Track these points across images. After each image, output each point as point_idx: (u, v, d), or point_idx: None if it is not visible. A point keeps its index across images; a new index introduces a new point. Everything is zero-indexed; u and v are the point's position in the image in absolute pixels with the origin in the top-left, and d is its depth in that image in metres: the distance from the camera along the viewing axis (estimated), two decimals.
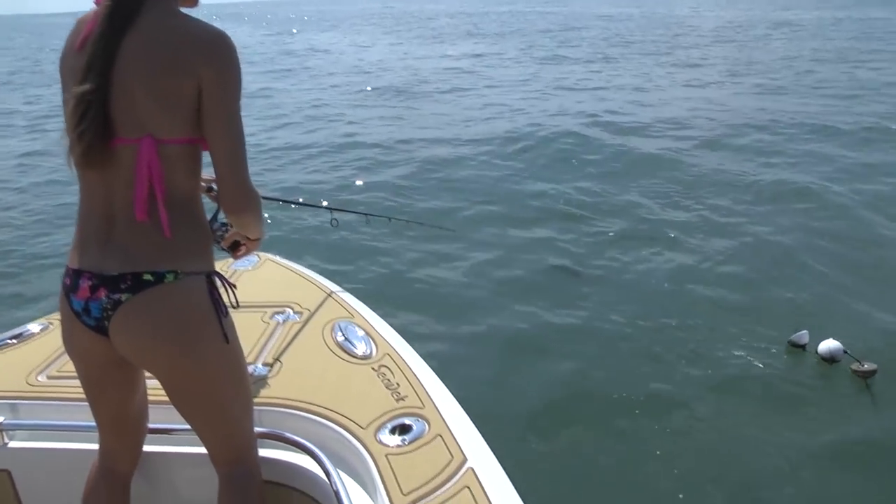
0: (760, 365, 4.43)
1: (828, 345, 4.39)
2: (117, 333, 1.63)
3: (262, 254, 3.02)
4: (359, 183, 9.00)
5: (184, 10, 1.65)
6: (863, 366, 4.22)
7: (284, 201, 3.42)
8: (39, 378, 2.24)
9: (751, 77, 16.88)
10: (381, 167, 9.81)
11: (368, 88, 17.48)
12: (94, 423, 1.86)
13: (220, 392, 1.75)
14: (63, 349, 1.82)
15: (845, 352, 4.33)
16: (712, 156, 9.79)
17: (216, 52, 1.56)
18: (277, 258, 3.05)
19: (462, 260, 6.30)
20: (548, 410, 4.08)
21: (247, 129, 1.62)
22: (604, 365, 4.55)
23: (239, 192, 1.65)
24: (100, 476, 1.91)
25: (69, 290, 1.65)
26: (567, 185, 8.46)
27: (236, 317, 1.76)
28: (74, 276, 1.64)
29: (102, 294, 1.61)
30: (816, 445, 3.72)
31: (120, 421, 1.87)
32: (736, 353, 4.57)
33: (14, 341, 2.49)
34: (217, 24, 1.59)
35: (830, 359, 4.35)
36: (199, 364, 1.68)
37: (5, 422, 2.10)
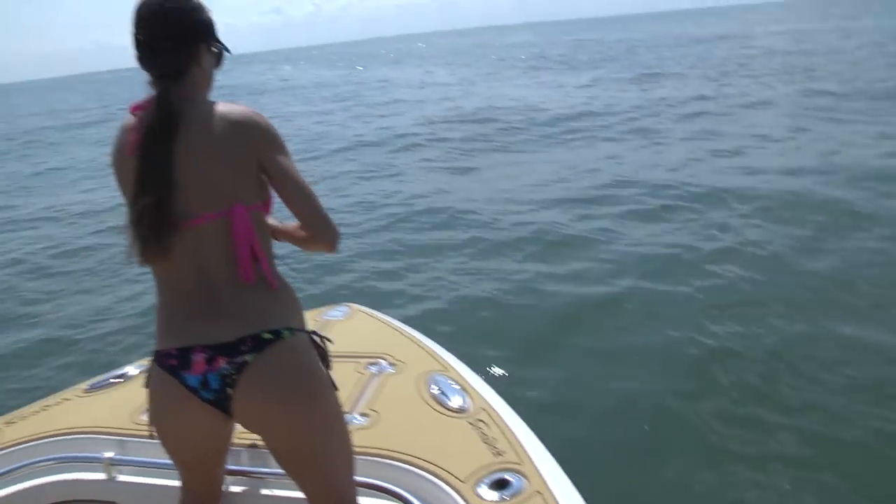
0: None
1: None
2: (244, 396, 1.66)
3: (352, 305, 3.10)
4: None
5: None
6: None
7: None
8: (143, 417, 2.31)
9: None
10: None
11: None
12: None
13: (330, 445, 1.77)
14: None
15: None
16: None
17: (258, 125, 1.67)
18: (367, 309, 3.08)
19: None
20: (648, 455, 3.77)
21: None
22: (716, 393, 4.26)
23: (329, 230, 1.72)
24: None
25: (179, 368, 1.66)
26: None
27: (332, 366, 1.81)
28: (182, 354, 1.66)
29: (222, 362, 1.64)
30: None
31: (205, 473, 1.93)
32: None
33: (119, 380, 2.62)
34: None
35: None
36: (320, 416, 1.72)
37: (115, 457, 2.20)
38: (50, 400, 2.54)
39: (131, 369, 2.68)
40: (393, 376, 2.41)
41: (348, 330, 2.83)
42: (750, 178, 9.07)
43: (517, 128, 15.80)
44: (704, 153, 11.08)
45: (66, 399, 2.54)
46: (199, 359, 1.64)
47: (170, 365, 1.67)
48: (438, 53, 63.87)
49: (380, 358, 2.53)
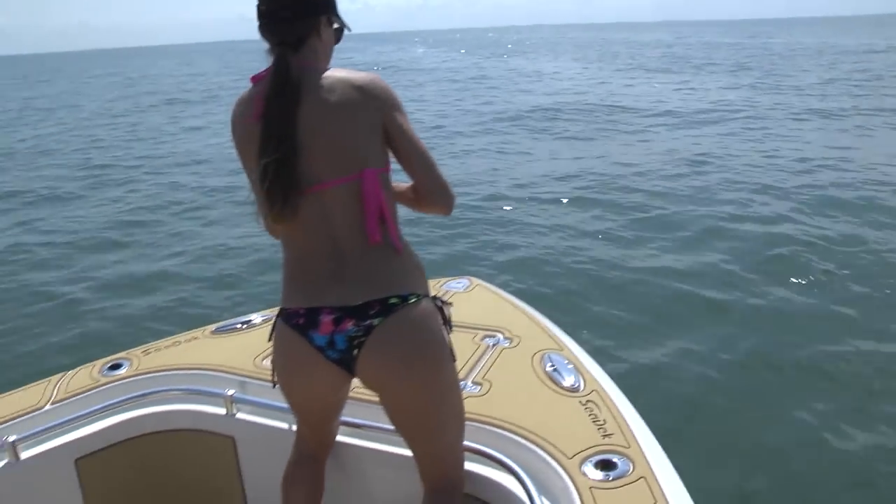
0: None
1: None
2: (370, 357, 1.70)
3: (472, 278, 3.11)
4: None
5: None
6: None
7: None
8: (264, 363, 2.44)
9: None
10: None
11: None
12: None
13: (444, 409, 1.79)
14: None
15: None
16: None
17: (381, 89, 1.70)
18: (486, 284, 3.07)
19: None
20: (753, 452, 3.74)
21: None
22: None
23: (445, 193, 1.76)
24: (297, 459, 2.06)
25: (306, 327, 1.71)
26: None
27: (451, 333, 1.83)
28: (310, 314, 1.71)
29: (349, 324, 1.68)
30: None
31: (321, 424, 2.00)
32: None
33: (243, 327, 2.77)
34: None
35: None
36: (438, 382, 1.74)
37: (236, 395, 2.35)
38: (181, 337, 2.72)
39: (256, 317, 2.81)
40: (508, 350, 2.43)
41: (467, 301, 2.85)
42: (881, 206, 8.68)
43: (642, 121, 15.70)
44: (828, 164, 10.72)
45: (195, 338, 2.70)
46: (326, 319, 1.68)
47: (297, 323, 1.72)
48: (572, 47, 63.46)
49: (497, 331, 2.55)
